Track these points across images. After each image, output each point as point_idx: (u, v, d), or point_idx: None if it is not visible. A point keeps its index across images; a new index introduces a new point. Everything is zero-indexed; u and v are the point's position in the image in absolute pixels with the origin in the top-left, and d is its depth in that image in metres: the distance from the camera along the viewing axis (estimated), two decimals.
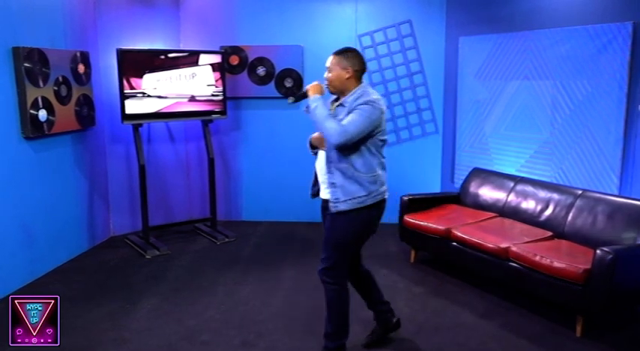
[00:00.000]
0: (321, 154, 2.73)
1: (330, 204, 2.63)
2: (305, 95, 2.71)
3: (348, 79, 2.66)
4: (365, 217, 2.68)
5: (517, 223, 3.98)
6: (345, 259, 2.76)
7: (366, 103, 2.56)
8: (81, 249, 4.57)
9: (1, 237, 3.62)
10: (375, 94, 2.65)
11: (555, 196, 3.87)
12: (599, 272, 2.95)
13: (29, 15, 3.83)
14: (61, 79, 4.11)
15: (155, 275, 4.08)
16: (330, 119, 2.56)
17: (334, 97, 2.77)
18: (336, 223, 2.67)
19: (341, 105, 2.66)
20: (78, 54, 4.33)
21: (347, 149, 2.57)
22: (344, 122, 2.53)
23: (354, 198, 2.61)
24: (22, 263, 3.82)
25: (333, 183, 2.63)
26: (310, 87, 2.69)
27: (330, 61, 2.69)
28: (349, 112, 2.57)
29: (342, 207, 2.61)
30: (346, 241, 2.71)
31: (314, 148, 2.79)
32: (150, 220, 4.76)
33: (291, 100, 2.78)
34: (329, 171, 2.64)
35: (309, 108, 2.64)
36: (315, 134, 2.74)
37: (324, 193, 2.72)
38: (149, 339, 3.09)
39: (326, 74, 2.69)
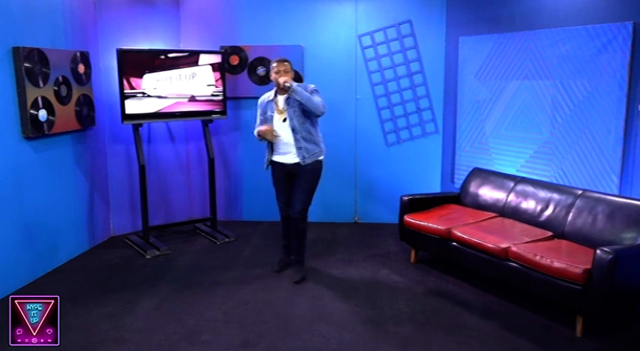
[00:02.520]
0: (282, 131, 3.81)
1: (300, 160, 3.80)
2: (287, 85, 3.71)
3: None
4: (321, 168, 3.95)
5: (517, 223, 3.98)
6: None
7: (315, 89, 3.83)
8: (81, 249, 4.57)
9: (1, 237, 3.62)
10: None
11: (555, 196, 3.87)
12: (599, 272, 2.95)
13: (29, 15, 3.83)
14: (61, 79, 4.11)
15: (155, 275, 4.08)
16: (313, 96, 3.73)
17: (274, 91, 3.90)
18: (309, 175, 3.86)
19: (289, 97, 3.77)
20: (78, 54, 4.33)
21: (312, 119, 3.82)
22: (319, 99, 3.75)
23: (314, 154, 3.84)
24: (22, 263, 3.83)
25: (299, 147, 3.79)
26: (287, 79, 3.71)
27: (287, 66, 3.79)
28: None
29: (308, 161, 3.82)
30: (316, 186, 3.96)
31: (261, 138, 3.88)
32: (150, 220, 4.77)
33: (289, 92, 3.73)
34: (296, 139, 3.79)
35: (292, 87, 3.66)
36: (262, 128, 3.84)
37: (290, 158, 3.85)
38: (149, 339, 3.09)
39: (285, 75, 3.74)
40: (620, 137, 3.75)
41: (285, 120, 3.81)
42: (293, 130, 3.78)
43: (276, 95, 3.89)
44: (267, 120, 3.90)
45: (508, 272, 3.49)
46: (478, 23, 4.77)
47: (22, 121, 3.74)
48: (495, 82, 4.65)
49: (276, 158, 3.95)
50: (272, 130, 3.82)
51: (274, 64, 3.80)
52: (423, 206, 4.40)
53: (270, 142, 3.92)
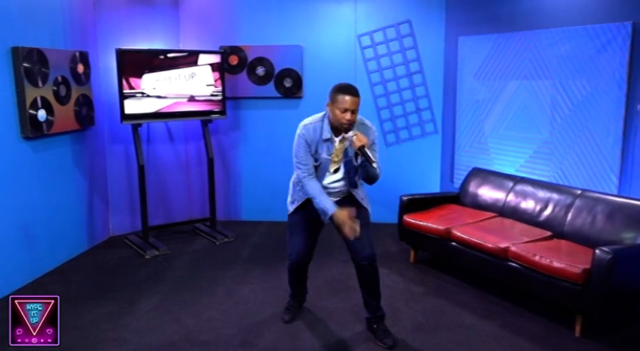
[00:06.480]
0: (328, 179, 3.00)
1: (359, 200, 3.08)
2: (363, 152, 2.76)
3: None
4: None
5: (516, 222, 3.98)
6: None
7: (375, 142, 2.95)
8: (80, 249, 4.57)
9: (0, 237, 3.62)
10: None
11: (555, 195, 3.87)
12: (599, 272, 2.95)
13: (29, 15, 3.83)
14: (60, 79, 4.10)
15: (154, 275, 4.08)
16: (373, 152, 2.87)
17: (329, 133, 2.88)
18: (366, 211, 3.11)
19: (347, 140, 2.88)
20: (77, 54, 4.32)
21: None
22: (376, 161, 2.81)
23: (365, 196, 3.16)
24: (21, 263, 3.82)
25: (361, 198, 3.11)
26: (361, 138, 2.77)
27: (357, 102, 2.79)
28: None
29: (366, 201, 3.14)
30: None
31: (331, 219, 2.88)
32: (149, 220, 4.77)
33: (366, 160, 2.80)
34: (355, 192, 3.07)
35: (367, 154, 2.74)
36: (339, 213, 2.81)
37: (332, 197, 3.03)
38: (149, 339, 3.09)
39: (353, 116, 2.78)
40: (619, 137, 3.76)
41: (337, 171, 2.95)
42: (351, 184, 3.03)
43: (331, 134, 2.89)
44: (321, 165, 2.91)
45: (507, 272, 3.50)
46: (477, 23, 4.78)
47: (21, 121, 3.74)
48: (495, 82, 4.65)
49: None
50: (353, 225, 2.76)
51: (340, 96, 2.75)
52: (422, 206, 4.40)
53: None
